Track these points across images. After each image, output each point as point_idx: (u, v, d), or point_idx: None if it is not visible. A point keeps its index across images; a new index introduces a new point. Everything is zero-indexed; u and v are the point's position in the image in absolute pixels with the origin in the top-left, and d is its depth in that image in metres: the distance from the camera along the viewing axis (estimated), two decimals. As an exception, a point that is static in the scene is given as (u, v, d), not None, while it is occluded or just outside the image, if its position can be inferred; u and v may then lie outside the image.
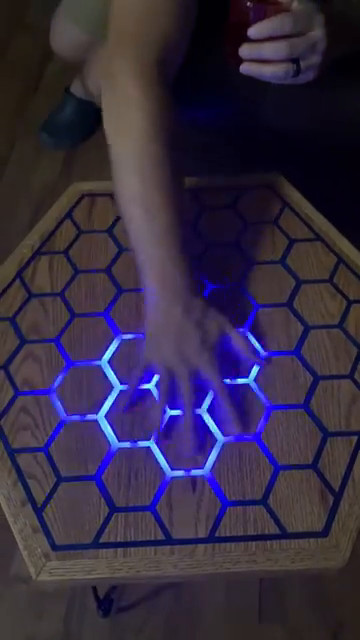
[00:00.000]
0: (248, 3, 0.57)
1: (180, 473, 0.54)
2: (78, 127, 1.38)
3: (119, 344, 0.62)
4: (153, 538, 0.52)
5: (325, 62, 0.59)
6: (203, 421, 0.57)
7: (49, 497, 0.54)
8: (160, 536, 0.52)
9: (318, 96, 0.68)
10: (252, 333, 0.63)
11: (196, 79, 0.71)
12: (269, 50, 0.57)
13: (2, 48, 1.66)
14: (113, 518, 0.53)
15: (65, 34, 1.08)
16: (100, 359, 0.61)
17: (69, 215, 0.72)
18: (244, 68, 0.59)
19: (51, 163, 1.40)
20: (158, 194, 0.58)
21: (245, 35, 0.57)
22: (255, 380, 0.59)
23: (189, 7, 0.63)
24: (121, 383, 0.60)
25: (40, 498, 0.54)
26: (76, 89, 1.34)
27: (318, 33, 0.57)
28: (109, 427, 0.57)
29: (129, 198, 0.59)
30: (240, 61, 0.59)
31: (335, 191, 0.76)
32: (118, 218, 0.71)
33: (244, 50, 0.58)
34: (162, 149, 0.58)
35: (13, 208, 1.32)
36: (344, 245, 0.69)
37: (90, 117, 1.37)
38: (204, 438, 0.56)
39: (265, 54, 0.57)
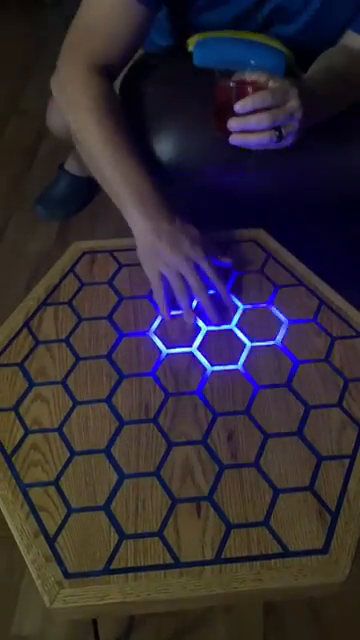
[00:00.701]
0: (231, 84, 0.67)
1: (186, 498, 0.57)
2: (72, 200, 1.47)
3: (122, 384, 0.67)
4: (162, 562, 0.54)
5: (301, 129, 0.68)
6: (218, 296, 0.71)
7: (60, 528, 0.56)
8: (169, 560, 0.54)
9: (295, 158, 0.77)
10: (246, 369, 0.67)
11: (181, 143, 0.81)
12: (254, 121, 0.66)
13: (-2, 131, 1.79)
14: (123, 545, 0.55)
15: (60, 116, 1.18)
16: (104, 398, 0.65)
17: (72, 270, 0.78)
18: (233, 140, 0.69)
19: (46, 232, 1.48)
20: (116, 147, 0.74)
21: (231, 111, 0.66)
22: (250, 412, 0.64)
23: (132, 33, 0.80)
24: (123, 422, 0.63)
25: (52, 529, 0.56)
26: (70, 166, 1.44)
27: (294, 103, 0.66)
28: (115, 460, 0.60)
29: (96, 157, 0.75)
30: (229, 133, 0.68)
31: (314, 241, 0.84)
32: (118, 270, 0.78)
33: (232, 123, 0.67)
34: (106, 118, 0.76)
35: (10, 274, 1.39)
36: (325, 289, 0.75)
37: (83, 191, 1.46)
38: (222, 311, 0.71)
39: (250, 125, 0.66)
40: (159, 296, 0.72)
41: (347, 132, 0.82)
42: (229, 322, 0.72)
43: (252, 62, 0.75)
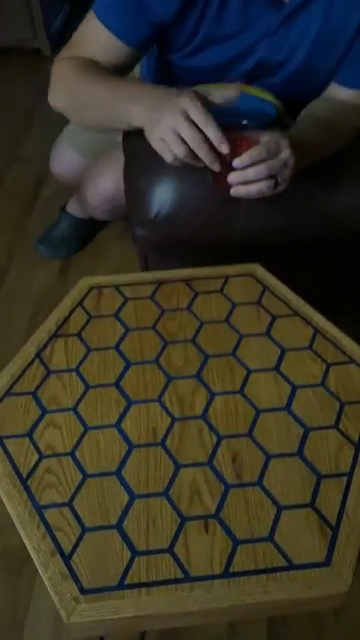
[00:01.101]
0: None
1: (194, 515, 0.61)
2: (73, 240, 1.54)
3: (130, 409, 0.70)
4: (173, 577, 0.57)
5: (294, 175, 0.75)
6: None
7: (75, 546, 0.59)
8: (179, 575, 0.57)
9: (282, 203, 0.83)
10: (247, 394, 0.71)
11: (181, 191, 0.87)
12: (253, 174, 0.72)
13: (0, 177, 1.86)
14: (135, 561, 0.58)
15: (65, 159, 1.26)
16: (114, 423, 0.69)
17: (80, 304, 0.83)
18: (234, 191, 0.75)
19: (48, 271, 1.54)
20: (98, 78, 0.84)
21: (226, 167, 0.73)
22: (253, 434, 0.67)
23: (115, 65, 0.89)
24: (132, 445, 0.67)
25: (67, 548, 0.59)
26: (72, 208, 1.51)
27: (286, 153, 0.73)
28: (126, 481, 0.64)
29: (85, 96, 0.85)
30: (227, 187, 0.74)
31: (306, 274, 0.89)
32: (124, 303, 0.82)
33: (232, 177, 0.73)
34: (82, 67, 0.86)
35: (13, 312, 1.43)
36: (319, 319, 0.80)
37: (84, 231, 1.53)
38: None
39: (250, 177, 0.72)
40: (178, 156, 0.73)
41: (331, 178, 0.88)
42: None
43: (244, 122, 0.83)
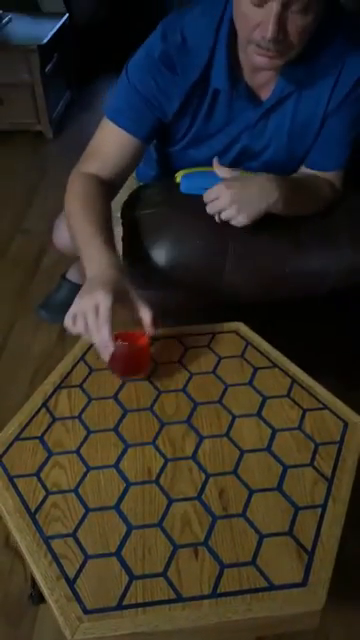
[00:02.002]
0: (118, 341, 0.82)
1: (185, 543, 0.68)
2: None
3: (127, 452, 0.78)
4: (167, 598, 0.63)
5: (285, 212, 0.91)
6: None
7: (79, 572, 0.65)
8: (172, 596, 0.63)
9: (263, 266, 0.96)
10: (233, 437, 0.80)
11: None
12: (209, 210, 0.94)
13: (3, 248, 2.00)
14: (133, 584, 0.64)
15: (67, 232, 1.38)
16: (113, 464, 0.77)
17: (82, 358, 0.92)
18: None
19: (47, 334, 1.64)
20: (88, 228, 0.95)
21: (123, 361, 0.84)
22: (237, 472, 0.76)
23: (125, 157, 1.03)
24: (130, 483, 0.75)
25: (72, 573, 0.65)
26: (72, 275, 1.63)
27: (223, 195, 0.92)
28: (124, 514, 0.71)
29: (77, 231, 0.97)
30: (118, 373, 0.87)
31: (284, 331, 1.00)
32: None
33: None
34: (88, 206, 0.98)
35: (15, 372, 1.52)
36: (296, 370, 0.90)
37: (83, 297, 1.64)
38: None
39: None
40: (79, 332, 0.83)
41: (302, 244, 1.01)
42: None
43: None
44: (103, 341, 0.80)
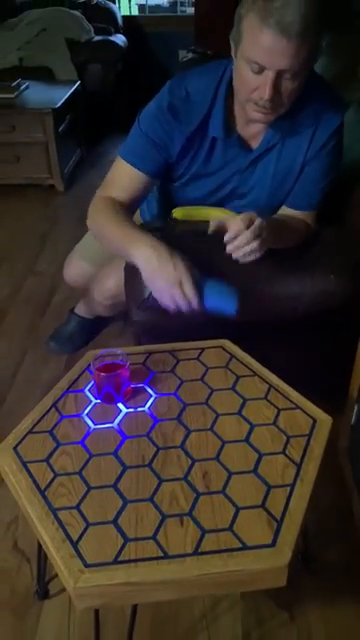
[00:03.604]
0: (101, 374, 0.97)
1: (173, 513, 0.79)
2: (80, 337, 1.79)
3: (125, 442, 0.91)
4: (155, 555, 0.74)
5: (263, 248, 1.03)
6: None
7: (81, 535, 0.77)
8: (160, 554, 0.75)
9: (246, 289, 1.10)
10: (216, 431, 0.92)
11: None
12: (242, 239, 1.01)
13: (17, 287, 2.16)
14: (127, 545, 0.76)
15: (76, 268, 1.55)
16: (112, 451, 0.89)
17: (87, 368, 1.06)
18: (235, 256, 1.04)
19: (56, 364, 1.77)
20: (121, 225, 1.12)
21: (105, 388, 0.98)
22: (219, 458, 0.88)
23: (136, 190, 1.20)
24: (126, 466, 0.87)
25: (75, 536, 0.77)
26: (79, 310, 1.78)
27: (259, 220, 1.02)
28: (121, 491, 0.83)
29: (109, 235, 1.15)
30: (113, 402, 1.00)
31: (266, 346, 1.13)
32: (121, 367, 1.06)
33: (229, 247, 1.02)
34: (113, 214, 1.16)
35: (25, 400, 1.64)
36: (273, 378, 1.03)
37: (90, 330, 1.79)
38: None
39: (241, 242, 1.01)
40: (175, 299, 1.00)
41: (280, 269, 1.16)
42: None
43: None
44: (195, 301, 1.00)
